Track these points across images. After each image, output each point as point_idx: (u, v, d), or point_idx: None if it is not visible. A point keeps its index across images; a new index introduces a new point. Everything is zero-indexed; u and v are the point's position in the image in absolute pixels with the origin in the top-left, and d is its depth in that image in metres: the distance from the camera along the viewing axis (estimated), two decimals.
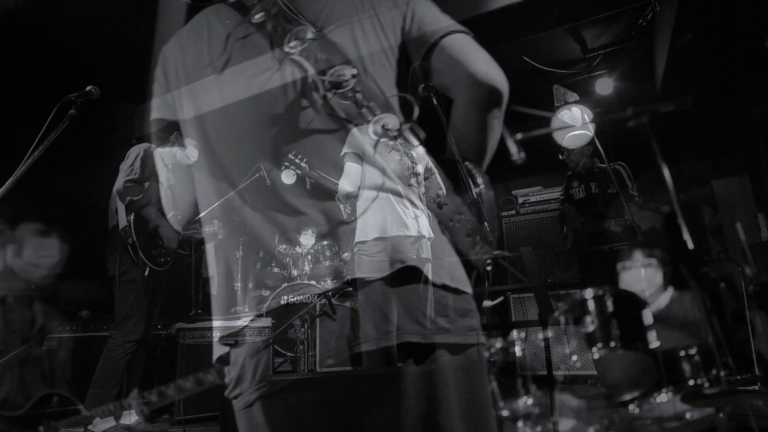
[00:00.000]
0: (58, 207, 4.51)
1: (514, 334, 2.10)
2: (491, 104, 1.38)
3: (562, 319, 2.19)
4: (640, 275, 2.59)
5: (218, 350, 1.62)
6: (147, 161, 2.94)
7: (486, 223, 1.96)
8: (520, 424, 1.93)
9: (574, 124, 3.65)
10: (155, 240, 2.93)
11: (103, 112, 3.05)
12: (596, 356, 2.09)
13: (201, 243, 3.89)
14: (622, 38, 4.46)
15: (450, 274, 1.25)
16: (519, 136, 1.82)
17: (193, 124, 1.59)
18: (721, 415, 1.92)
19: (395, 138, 1.57)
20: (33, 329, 3.06)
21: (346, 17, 1.45)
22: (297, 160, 2.18)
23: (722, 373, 1.85)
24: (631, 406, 2.01)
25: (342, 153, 2.79)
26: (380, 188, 2.84)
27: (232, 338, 1.69)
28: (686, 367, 2.00)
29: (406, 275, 1.25)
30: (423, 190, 3.23)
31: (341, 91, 1.44)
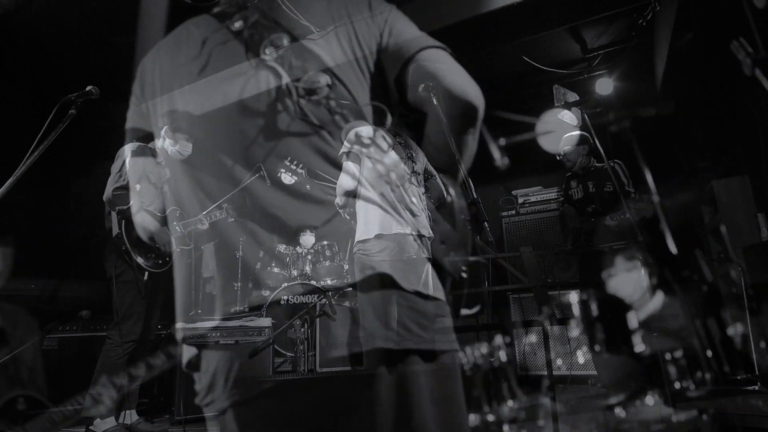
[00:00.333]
0: (58, 207, 4.51)
1: (499, 338, 2.11)
2: (465, 119, 1.40)
3: (547, 323, 2.20)
4: (627, 280, 2.60)
5: (187, 353, 1.65)
6: (134, 165, 2.92)
7: (486, 223, 1.96)
8: (506, 428, 1.94)
9: (572, 124, 3.66)
10: (147, 243, 2.91)
11: (104, 112, 3.05)
12: (581, 360, 2.11)
13: (200, 243, 3.89)
14: (622, 38, 4.46)
15: (423, 281, 1.26)
16: (502, 141, 1.84)
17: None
18: (704, 417, 1.93)
19: (368, 146, 1.60)
20: None
21: (323, 28, 1.48)
22: (293, 167, 2.21)
23: (707, 376, 1.86)
24: (617, 410, 2.02)
25: (340, 152, 2.81)
26: (380, 187, 2.85)
27: (195, 339, 1.70)
28: (672, 370, 2.01)
29: (374, 282, 1.26)
30: (423, 190, 3.23)
31: (315, 97, 1.47)
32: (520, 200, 4.80)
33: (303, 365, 3.67)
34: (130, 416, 2.87)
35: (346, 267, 3.89)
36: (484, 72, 4.76)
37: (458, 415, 1.19)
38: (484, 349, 2.11)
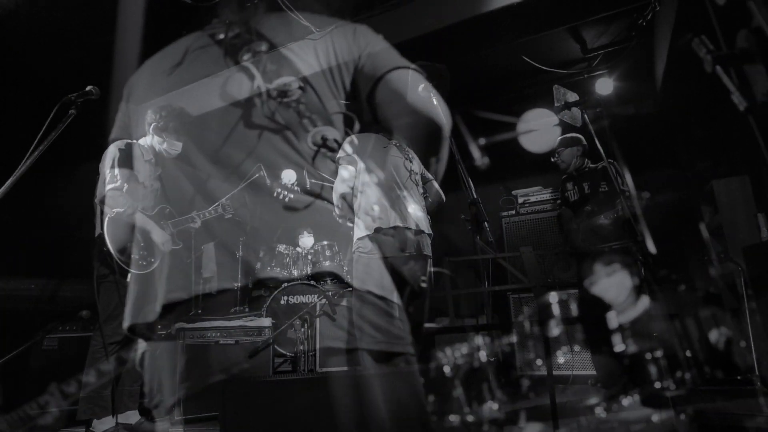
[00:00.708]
0: (58, 206, 4.51)
1: (480, 339, 2.12)
2: (429, 136, 1.47)
3: (527, 324, 2.21)
4: (609, 284, 2.62)
5: (140, 348, 1.68)
6: (123, 162, 2.89)
7: (486, 223, 1.97)
8: (485, 428, 1.94)
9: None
10: (136, 243, 2.88)
11: (105, 112, 3.05)
12: (560, 360, 2.13)
13: (199, 243, 3.88)
14: (622, 38, 4.47)
15: (377, 282, 1.31)
16: (482, 141, 1.86)
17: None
18: (681, 416, 1.94)
19: (334, 149, 1.68)
20: None
21: (304, 41, 1.58)
22: (289, 185, 2.27)
23: (687, 375, 1.87)
24: (597, 409, 2.03)
25: (337, 156, 2.85)
26: (380, 186, 2.87)
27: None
28: (652, 370, 2.03)
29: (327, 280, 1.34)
30: (422, 189, 3.24)
31: (286, 100, 1.56)
32: (520, 200, 4.80)
33: (303, 365, 3.68)
34: (132, 416, 2.86)
35: (346, 267, 3.89)
36: (484, 72, 4.76)
37: (413, 419, 1.22)
38: (464, 349, 2.12)
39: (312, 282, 4.30)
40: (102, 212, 2.82)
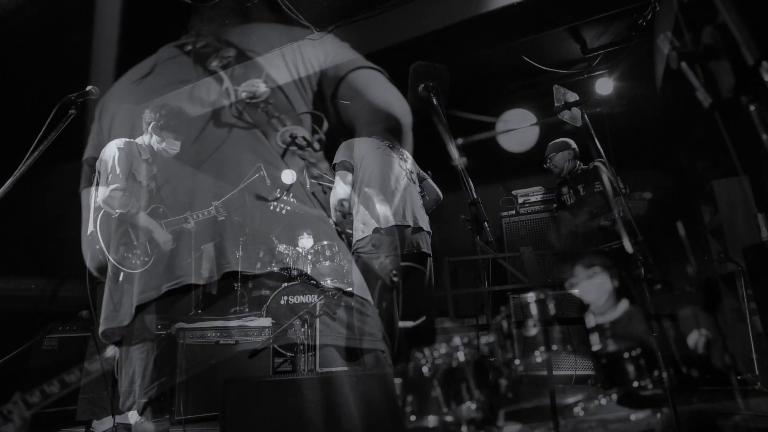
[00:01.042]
0: (58, 206, 4.51)
1: (457, 339, 2.12)
2: (389, 130, 1.55)
3: (505, 324, 2.22)
4: (589, 286, 2.65)
5: (110, 350, 1.70)
6: (123, 161, 2.88)
7: (486, 223, 1.97)
8: (464, 429, 1.95)
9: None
10: (129, 242, 2.87)
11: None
12: (538, 359, 2.14)
13: (199, 243, 3.88)
14: (622, 38, 4.47)
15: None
16: (460, 141, 1.88)
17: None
18: (658, 415, 1.96)
19: (303, 147, 1.75)
20: None
21: (271, 48, 1.68)
22: (285, 198, 2.31)
23: (664, 375, 1.88)
24: (576, 409, 2.04)
25: (333, 162, 2.90)
26: (377, 186, 2.90)
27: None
28: (629, 369, 2.04)
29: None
30: (419, 188, 3.25)
31: (254, 101, 1.65)
32: (520, 200, 4.80)
33: (303, 365, 3.68)
34: (132, 416, 2.86)
35: (346, 267, 3.90)
36: (484, 72, 4.76)
37: (385, 416, 1.25)
38: (443, 349, 2.13)
39: (312, 282, 4.31)
40: (95, 210, 2.81)
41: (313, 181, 3.04)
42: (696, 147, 4.31)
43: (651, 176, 4.45)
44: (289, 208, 2.84)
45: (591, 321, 2.25)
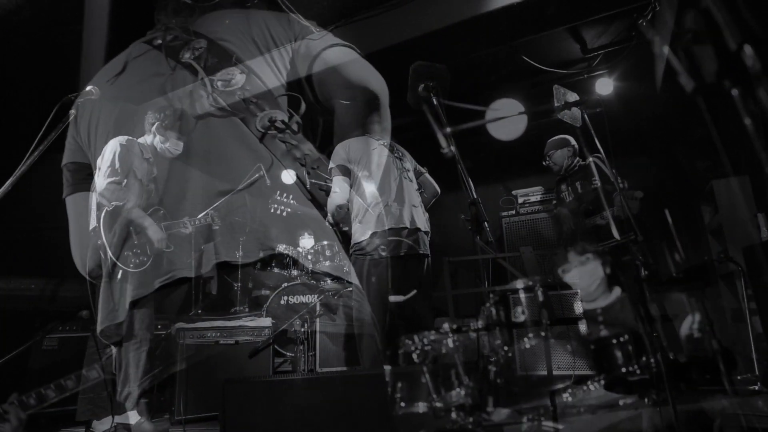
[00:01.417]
0: (58, 206, 4.51)
1: (446, 326, 2.13)
2: (367, 106, 1.59)
3: (494, 311, 2.23)
4: (581, 273, 2.67)
5: (101, 344, 1.71)
6: (124, 157, 2.88)
7: (486, 223, 1.97)
8: (453, 415, 1.95)
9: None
10: (130, 240, 2.86)
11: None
12: (528, 346, 2.15)
13: (200, 243, 3.88)
14: (622, 38, 4.47)
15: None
16: (448, 130, 1.88)
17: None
18: (647, 401, 1.97)
19: (282, 131, 1.77)
20: None
21: (241, 34, 1.69)
22: (284, 200, 2.32)
23: (652, 360, 1.89)
24: (564, 395, 2.05)
25: (329, 167, 2.92)
26: (373, 187, 2.90)
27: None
28: (618, 354, 2.06)
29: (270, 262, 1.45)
30: (416, 186, 3.25)
31: (231, 88, 1.68)
32: (520, 200, 4.80)
33: (303, 365, 3.68)
34: (132, 417, 2.86)
35: (346, 267, 3.90)
36: (484, 72, 4.76)
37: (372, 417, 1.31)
38: (432, 336, 2.13)
39: (312, 282, 4.31)
40: (98, 207, 2.81)
41: (306, 174, 3.04)
42: (696, 147, 4.31)
43: (651, 176, 4.45)
44: (289, 210, 2.84)
45: (579, 307, 2.28)
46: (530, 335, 2.17)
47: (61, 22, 3.45)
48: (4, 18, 3.48)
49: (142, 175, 2.95)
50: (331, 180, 3.02)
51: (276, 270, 4.50)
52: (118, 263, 2.76)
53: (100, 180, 2.82)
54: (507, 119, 3.77)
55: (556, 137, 3.97)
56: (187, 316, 3.39)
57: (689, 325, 2.25)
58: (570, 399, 2.04)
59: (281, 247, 4.41)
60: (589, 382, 2.08)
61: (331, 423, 2.21)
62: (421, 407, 2.05)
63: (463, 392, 1.98)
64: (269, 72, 1.66)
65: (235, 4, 2.83)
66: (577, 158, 3.98)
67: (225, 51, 1.67)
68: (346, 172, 3.01)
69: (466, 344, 2.20)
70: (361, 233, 2.89)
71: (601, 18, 4.14)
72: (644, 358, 1.96)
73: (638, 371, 1.97)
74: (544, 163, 4.08)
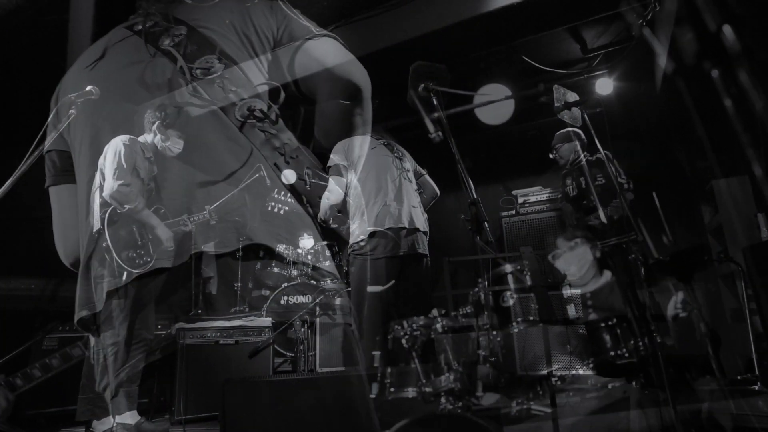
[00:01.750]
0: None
1: (435, 311, 2.13)
2: (349, 98, 1.60)
3: (482, 295, 2.25)
4: (571, 257, 2.69)
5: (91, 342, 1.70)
6: (128, 157, 2.87)
7: (486, 223, 1.97)
8: (443, 400, 1.96)
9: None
10: (134, 241, 2.86)
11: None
12: (516, 330, 2.16)
13: (200, 243, 3.87)
14: (622, 38, 4.46)
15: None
16: (435, 115, 1.89)
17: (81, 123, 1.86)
18: (633, 384, 1.98)
19: (261, 120, 1.78)
20: None
21: (222, 21, 1.69)
22: (282, 198, 2.32)
23: (640, 344, 1.91)
24: (553, 378, 2.06)
25: (327, 165, 2.92)
26: (372, 187, 2.92)
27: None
28: (606, 338, 2.07)
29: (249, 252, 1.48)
30: (416, 186, 3.25)
31: (209, 77, 1.68)
32: (520, 200, 4.80)
33: (303, 365, 3.68)
34: (132, 416, 2.86)
35: (346, 267, 3.90)
36: (484, 72, 4.76)
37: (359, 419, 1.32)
38: (421, 320, 2.14)
39: (312, 282, 4.30)
40: (101, 207, 2.80)
41: (314, 181, 3.03)
42: (696, 147, 4.31)
43: (651, 176, 4.45)
44: (287, 208, 2.83)
45: (567, 291, 2.29)
46: (519, 320, 2.19)
47: (66, 22, 3.46)
48: (4, 17, 3.48)
49: (144, 175, 2.95)
50: (328, 178, 3.02)
51: (276, 270, 4.50)
52: (124, 265, 2.76)
53: (109, 182, 2.81)
54: (494, 104, 3.79)
55: (564, 130, 3.92)
56: (187, 316, 3.39)
57: (674, 306, 2.26)
58: (559, 383, 2.05)
59: (281, 247, 4.41)
60: (578, 367, 2.09)
61: (331, 423, 2.21)
62: (411, 392, 2.06)
63: (452, 377, 1.99)
64: (249, 60, 1.67)
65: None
66: (585, 152, 3.95)
67: (205, 38, 1.67)
68: (345, 171, 3.01)
69: (458, 332, 2.21)
70: (359, 233, 2.89)
71: (601, 18, 4.14)
72: (632, 342, 1.98)
73: (626, 355, 1.98)
74: (550, 155, 4.05)
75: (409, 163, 3.20)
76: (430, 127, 1.88)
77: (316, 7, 3.47)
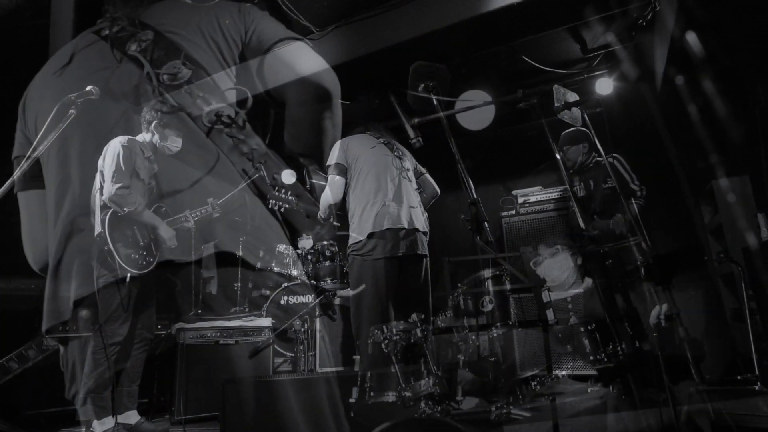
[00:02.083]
0: None
1: (414, 316, 2.14)
2: (318, 102, 1.61)
3: (460, 299, 2.25)
4: (552, 264, 2.70)
5: (106, 341, 1.71)
6: (127, 159, 2.86)
7: (486, 223, 1.97)
8: (422, 404, 1.96)
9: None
10: (136, 242, 2.86)
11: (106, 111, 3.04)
12: (495, 334, 2.17)
13: (199, 243, 3.87)
14: (622, 38, 4.46)
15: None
16: (415, 121, 1.89)
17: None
18: (611, 388, 1.98)
19: (229, 125, 1.79)
20: None
21: (189, 25, 1.69)
22: (283, 196, 2.32)
23: (619, 348, 1.92)
24: (533, 383, 2.06)
25: (326, 165, 2.91)
26: (371, 187, 2.92)
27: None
28: (586, 342, 2.08)
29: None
30: (416, 186, 3.25)
31: (176, 82, 1.68)
32: (520, 200, 4.79)
33: (303, 365, 3.68)
34: (132, 416, 2.86)
35: (346, 267, 3.90)
36: (484, 72, 4.76)
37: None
38: (401, 325, 2.14)
39: (312, 282, 4.30)
40: (101, 210, 2.80)
41: (313, 181, 3.03)
42: (696, 147, 4.31)
43: (651, 176, 4.45)
44: (287, 205, 2.82)
45: (546, 296, 2.30)
46: (498, 324, 2.20)
47: (65, 21, 3.45)
48: (4, 17, 3.48)
49: (145, 175, 2.95)
50: (326, 178, 3.02)
51: (276, 270, 4.50)
52: (127, 267, 2.76)
53: (108, 185, 2.79)
54: (475, 109, 3.84)
55: (572, 131, 3.82)
56: (187, 316, 3.39)
57: (656, 315, 2.27)
58: (538, 388, 2.06)
59: (281, 247, 4.41)
60: (557, 371, 2.11)
61: (331, 422, 2.22)
62: (391, 396, 2.06)
63: (431, 381, 1.99)
64: (217, 65, 1.67)
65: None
66: (593, 154, 3.89)
67: (172, 43, 1.67)
68: (344, 170, 3.00)
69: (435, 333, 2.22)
70: (358, 233, 2.88)
71: (601, 18, 4.14)
72: (611, 347, 1.98)
73: (605, 359, 1.99)
74: (557, 155, 3.99)
75: (410, 163, 3.19)
76: (411, 132, 1.89)
77: (316, 7, 3.46)
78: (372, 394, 2.13)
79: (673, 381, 2.13)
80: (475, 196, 2.04)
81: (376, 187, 2.91)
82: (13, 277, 3.85)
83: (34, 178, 3.02)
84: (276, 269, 4.48)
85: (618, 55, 4.60)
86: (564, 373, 2.12)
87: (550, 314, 2.21)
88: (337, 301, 3.79)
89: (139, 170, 2.91)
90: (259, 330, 3.42)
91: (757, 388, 2.69)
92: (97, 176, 2.87)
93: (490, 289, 2.25)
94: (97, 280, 2.74)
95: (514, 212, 4.77)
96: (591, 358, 2.04)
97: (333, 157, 2.96)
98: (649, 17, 4.06)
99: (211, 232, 3.35)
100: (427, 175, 3.32)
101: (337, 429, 2.10)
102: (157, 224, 2.93)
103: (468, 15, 3.74)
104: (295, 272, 4.38)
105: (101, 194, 2.82)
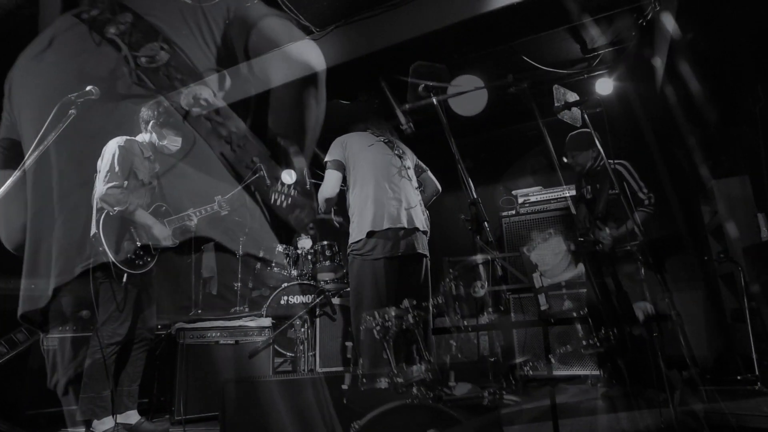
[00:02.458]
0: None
1: (405, 302, 2.14)
2: (304, 80, 1.60)
3: (452, 286, 2.25)
4: (545, 250, 2.70)
5: (104, 342, 1.70)
6: (123, 159, 2.86)
7: (486, 223, 1.97)
8: (414, 390, 1.96)
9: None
10: (132, 242, 2.86)
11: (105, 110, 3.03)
12: (485, 320, 2.18)
13: (199, 243, 3.87)
14: (622, 38, 4.47)
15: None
16: (406, 107, 1.89)
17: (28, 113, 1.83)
18: (601, 372, 1.99)
19: (206, 107, 1.77)
20: None
21: (168, 6, 1.68)
22: (285, 191, 2.31)
23: (611, 334, 1.93)
24: (525, 368, 2.07)
25: (325, 160, 2.91)
26: (371, 186, 2.91)
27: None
28: (579, 327, 2.10)
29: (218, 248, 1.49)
30: (416, 184, 3.25)
31: (154, 65, 1.68)
32: (520, 200, 4.79)
33: (303, 365, 3.68)
34: (132, 416, 2.86)
35: (346, 267, 3.90)
36: (484, 72, 4.76)
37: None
38: (392, 312, 2.14)
39: (312, 282, 4.30)
40: (97, 211, 2.79)
41: (314, 181, 3.02)
42: (696, 147, 4.31)
43: (651, 176, 4.45)
44: (289, 200, 2.82)
45: (538, 281, 2.31)
46: (490, 310, 2.21)
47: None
48: (4, 18, 3.48)
49: (144, 175, 2.94)
50: (323, 173, 3.02)
51: (276, 270, 4.50)
52: (123, 267, 2.75)
53: (100, 185, 2.79)
54: (466, 94, 3.83)
55: (580, 134, 3.71)
56: (187, 316, 3.39)
57: (642, 312, 2.27)
58: (530, 373, 2.07)
59: (281, 247, 4.41)
60: (550, 356, 2.13)
61: (331, 422, 2.22)
62: (383, 383, 2.06)
63: (423, 367, 1.98)
64: (196, 48, 1.65)
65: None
66: (601, 158, 3.85)
67: (150, 26, 1.65)
68: (341, 166, 3.00)
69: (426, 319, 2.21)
70: (357, 233, 2.88)
71: (601, 18, 4.14)
72: (602, 332, 1.99)
73: (597, 344, 1.99)
74: (564, 160, 3.92)
75: (410, 161, 3.18)
76: (402, 119, 1.89)
77: (316, 7, 3.46)
78: (364, 380, 2.14)
79: (668, 367, 2.14)
80: (475, 196, 2.04)
81: (376, 187, 2.90)
82: (13, 277, 3.85)
83: (13, 159, 3.01)
84: (276, 269, 4.48)
85: (618, 55, 4.60)
86: (554, 359, 2.14)
87: (542, 299, 2.22)
88: (337, 301, 3.78)
89: (138, 171, 2.90)
90: (259, 330, 3.42)
91: (757, 388, 2.69)
92: (96, 177, 2.87)
93: (482, 273, 2.26)
94: (93, 280, 2.74)
95: (514, 212, 4.77)
96: (584, 342, 2.06)
97: (331, 154, 2.97)
98: (649, 17, 4.06)
99: (212, 232, 3.35)
100: (429, 173, 3.31)
101: (336, 429, 2.09)
102: (151, 223, 2.92)
103: (468, 15, 3.74)
104: (294, 272, 4.39)
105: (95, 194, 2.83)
